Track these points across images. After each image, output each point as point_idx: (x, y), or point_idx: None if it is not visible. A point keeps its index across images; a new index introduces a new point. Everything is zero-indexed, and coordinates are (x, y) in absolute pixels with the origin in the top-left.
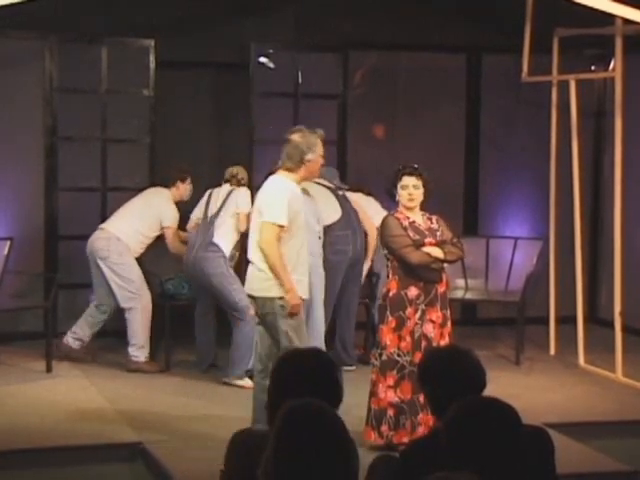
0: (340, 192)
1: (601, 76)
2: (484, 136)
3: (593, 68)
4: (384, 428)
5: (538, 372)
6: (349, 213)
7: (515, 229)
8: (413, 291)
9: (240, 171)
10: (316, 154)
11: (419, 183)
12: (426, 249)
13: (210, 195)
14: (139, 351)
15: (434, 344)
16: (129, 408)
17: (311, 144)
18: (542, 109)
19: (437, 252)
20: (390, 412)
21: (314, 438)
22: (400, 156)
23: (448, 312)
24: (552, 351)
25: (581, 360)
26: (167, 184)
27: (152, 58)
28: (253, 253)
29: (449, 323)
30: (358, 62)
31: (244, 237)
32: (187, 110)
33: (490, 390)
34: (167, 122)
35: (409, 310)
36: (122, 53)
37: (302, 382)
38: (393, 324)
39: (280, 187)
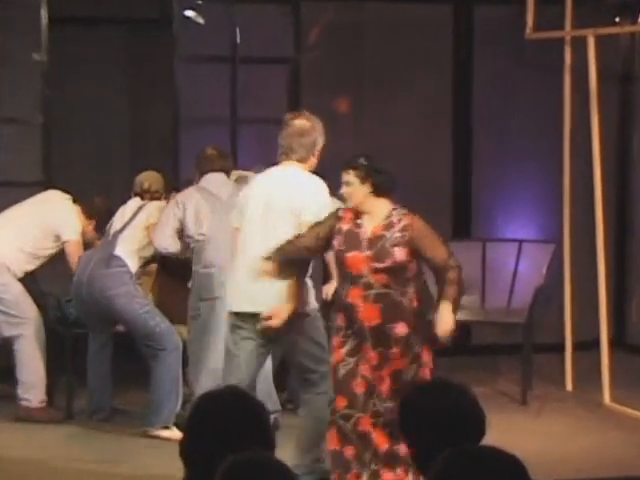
0: None
1: (627, 30)
2: (477, 111)
3: (617, 20)
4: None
5: (551, 414)
6: None
7: (519, 230)
8: (340, 319)
9: (153, 182)
10: (321, 144)
11: (350, 179)
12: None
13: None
14: (30, 392)
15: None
16: (19, 471)
17: (321, 132)
18: (552, 74)
19: None
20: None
21: None
22: (369, 138)
23: (391, 350)
24: (569, 386)
25: (606, 398)
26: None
27: (44, 13)
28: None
29: (393, 362)
30: (313, 16)
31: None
32: (92, 80)
33: (490, 437)
34: (65, 96)
35: (335, 339)
36: (3, 5)
37: (223, 431)
38: None
39: (318, 184)
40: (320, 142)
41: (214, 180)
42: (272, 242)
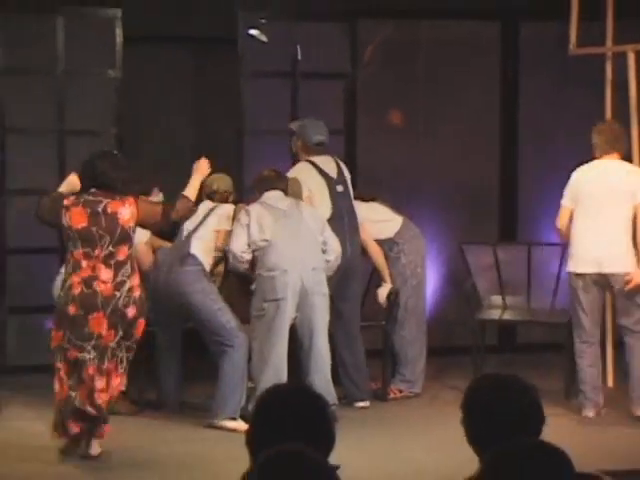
0: (339, 187)
1: None
2: (523, 122)
3: None
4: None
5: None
6: (342, 213)
7: None
8: None
9: (221, 183)
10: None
11: None
12: None
13: None
14: None
15: None
16: (93, 459)
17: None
18: (594, 88)
19: None
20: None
21: None
22: (421, 148)
23: None
24: (610, 382)
25: None
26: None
27: (119, 31)
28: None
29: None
30: (369, 33)
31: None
32: (162, 95)
33: None
34: (137, 109)
35: None
36: (82, 26)
37: (287, 422)
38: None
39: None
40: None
41: (272, 196)
42: (609, 214)
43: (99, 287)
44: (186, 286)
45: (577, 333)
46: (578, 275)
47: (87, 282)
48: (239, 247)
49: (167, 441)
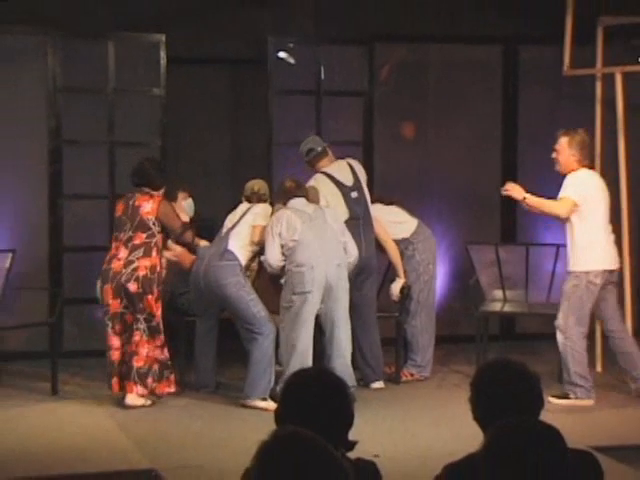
0: (354, 193)
1: None
2: (522, 135)
3: None
4: (149, 380)
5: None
6: (358, 217)
7: (557, 236)
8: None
9: (261, 187)
10: None
11: None
12: None
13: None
14: None
15: None
16: (141, 432)
17: None
18: (586, 105)
19: None
20: (155, 367)
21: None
22: (431, 158)
23: None
24: (598, 368)
25: (628, 377)
26: None
27: (163, 54)
28: None
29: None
30: (385, 56)
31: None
32: (200, 110)
33: None
34: (179, 123)
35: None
36: (131, 49)
37: (311, 402)
38: (157, 295)
39: None
40: None
41: (297, 202)
42: (606, 216)
43: (114, 264)
44: (222, 279)
45: (582, 330)
46: (611, 272)
47: (109, 260)
48: (275, 259)
49: (204, 418)
